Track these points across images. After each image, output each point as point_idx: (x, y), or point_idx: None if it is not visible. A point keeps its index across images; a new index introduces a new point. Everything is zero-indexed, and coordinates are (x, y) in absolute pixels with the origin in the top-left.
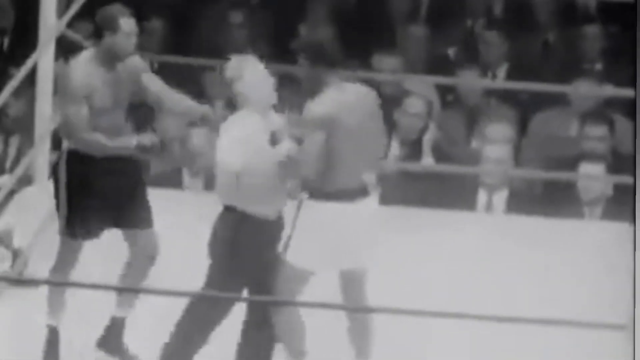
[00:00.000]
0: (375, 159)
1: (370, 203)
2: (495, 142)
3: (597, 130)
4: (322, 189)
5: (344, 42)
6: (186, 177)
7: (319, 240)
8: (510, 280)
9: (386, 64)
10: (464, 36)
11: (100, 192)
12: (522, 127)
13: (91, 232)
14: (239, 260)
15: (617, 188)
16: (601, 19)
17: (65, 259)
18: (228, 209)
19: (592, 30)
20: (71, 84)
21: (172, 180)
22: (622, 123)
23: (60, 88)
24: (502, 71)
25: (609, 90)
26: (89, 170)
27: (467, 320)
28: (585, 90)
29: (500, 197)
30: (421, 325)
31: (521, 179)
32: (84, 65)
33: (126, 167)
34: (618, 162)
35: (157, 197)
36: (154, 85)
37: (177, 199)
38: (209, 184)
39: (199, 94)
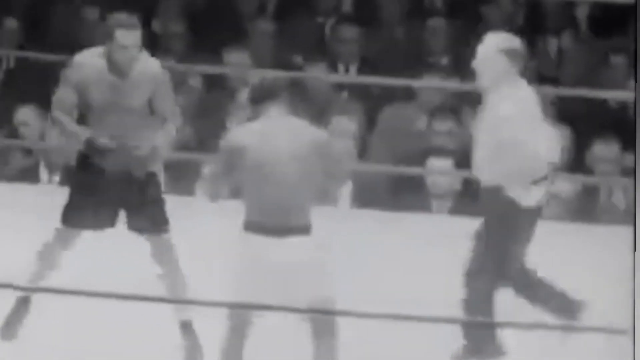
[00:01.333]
0: None
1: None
2: (338, 135)
3: (445, 125)
4: None
5: (195, 37)
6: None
7: None
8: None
9: (235, 59)
10: (315, 32)
11: (100, 188)
12: (372, 121)
13: (86, 224)
14: None
15: (466, 182)
16: (448, 13)
17: (53, 246)
18: None
19: (437, 24)
20: (67, 69)
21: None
22: (471, 117)
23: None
24: (353, 66)
25: (456, 85)
26: (92, 167)
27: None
28: (432, 84)
29: (346, 191)
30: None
31: (368, 172)
32: (86, 59)
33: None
34: (467, 157)
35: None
36: (158, 99)
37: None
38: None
39: None
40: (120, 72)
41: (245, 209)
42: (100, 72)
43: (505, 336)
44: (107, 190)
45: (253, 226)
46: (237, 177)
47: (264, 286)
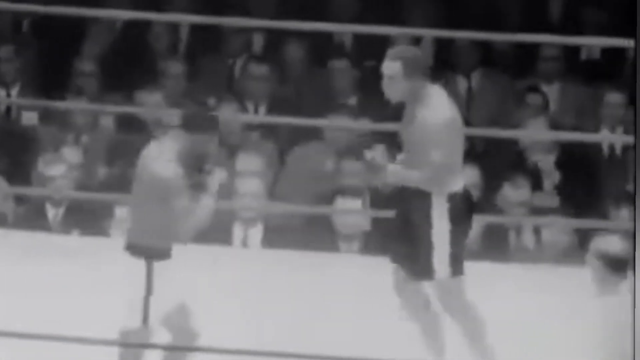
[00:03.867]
0: None
1: None
2: (245, 174)
3: (353, 166)
4: None
5: (107, 77)
6: None
7: None
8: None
9: (147, 99)
10: (226, 72)
11: None
12: (283, 161)
13: None
14: None
15: (375, 222)
16: (356, 54)
17: None
18: None
19: (341, 65)
20: None
21: None
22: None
23: None
24: (263, 106)
25: (365, 125)
26: None
27: None
28: (340, 125)
29: (256, 232)
30: None
31: (278, 213)
32: None
33: None
34: (376, 197)
35: None
36: None
37: None
38: None
39: None
40: None
41: None
42: None
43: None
44: None
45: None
46: None
47: None
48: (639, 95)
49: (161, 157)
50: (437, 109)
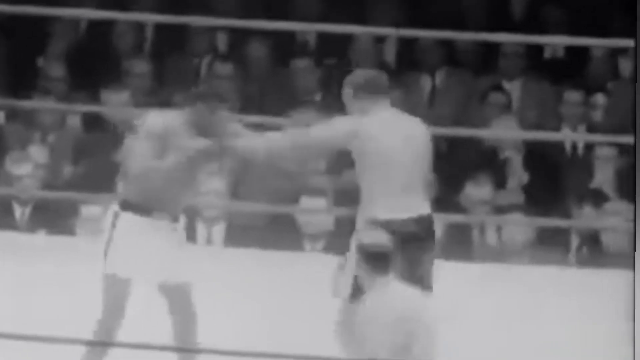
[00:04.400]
0: None
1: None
2: (208, 173)
3: (319, 164)
4: None
5: (73, 77)
6: None
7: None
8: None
9: (113, 98)
10: (191, 71)
11: None
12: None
13: None
14: None
15: (339, 222)
16: (320, 52)
17: None
18: None
19: (303, 64)
20: None
21: None
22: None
23: None
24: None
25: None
26: None
27: None
28: (305, 121)
29: (219, 230)
30: None
31: (241, 212)
32: None
33: None
34: (341, 196)
35: None
36: None
37: None
38: None
39: None
40: None
41: None
42: None
43: None
44: None
45: None
46: None
47: None
48: (638, 95)
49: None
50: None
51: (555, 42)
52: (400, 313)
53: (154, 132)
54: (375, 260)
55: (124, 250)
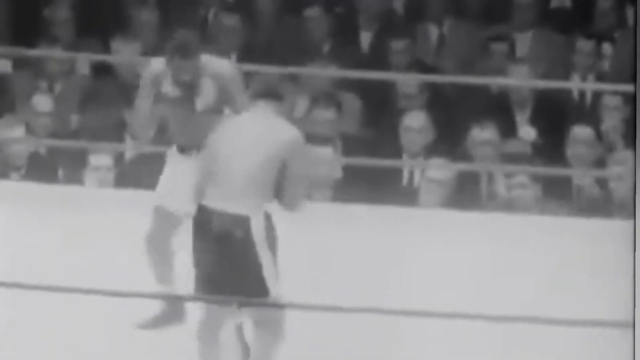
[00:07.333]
0: None
1: None
2: None
3: (325, 113)
4: None
5: (84, 26)
6: None
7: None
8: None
9: (123, 48)
10: (198, 23)
11: None
12: None
13: None
14: None
15: (347, 170)
16: (326, 2)
17: None
18: None
19: (314, 14)
20: None
21: None
22: (351, 103)
23: None
24: (233, 55)
25: (337, 72)
26: None
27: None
28: (316, 71)
29: None
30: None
31: None
32: None
33: None
34: (347, 144)
35: None
36: None
37: None
38: None
39: None
40: None
41: None
42: None
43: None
44: None
45: None
46: None
47: None
48: (638, 92)
49: None
50: None
51: None
52: None
53: (150, 79)
54: None
55: (164, 184)
